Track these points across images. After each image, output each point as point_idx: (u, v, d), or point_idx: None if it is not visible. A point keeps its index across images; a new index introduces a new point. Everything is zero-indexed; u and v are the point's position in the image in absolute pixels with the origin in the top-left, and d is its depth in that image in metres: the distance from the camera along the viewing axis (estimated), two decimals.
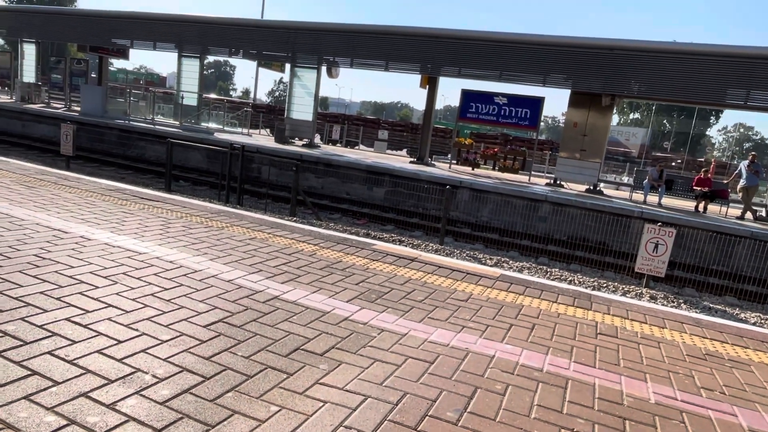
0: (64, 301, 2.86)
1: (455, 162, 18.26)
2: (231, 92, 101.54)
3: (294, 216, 10.12)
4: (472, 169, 17.63)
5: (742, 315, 7.56)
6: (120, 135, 18.28)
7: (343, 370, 2.51)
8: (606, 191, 16.21)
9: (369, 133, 29.15)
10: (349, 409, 2.18)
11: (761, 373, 3.15)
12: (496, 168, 18.05)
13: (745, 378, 3.04)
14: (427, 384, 2.48)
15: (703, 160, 33.77)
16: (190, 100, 21.59)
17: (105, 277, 3.31)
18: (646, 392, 2.68)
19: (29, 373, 2.13)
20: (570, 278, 8.34)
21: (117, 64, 50.90)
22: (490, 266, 7.87)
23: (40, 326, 2.53)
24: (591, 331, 3.50)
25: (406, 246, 8.52)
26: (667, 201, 14.74)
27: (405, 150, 28.22)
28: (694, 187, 13.80)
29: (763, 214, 13.78)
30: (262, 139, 21.24)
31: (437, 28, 13.14)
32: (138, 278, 3.38)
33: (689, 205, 14.34)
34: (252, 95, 51.62)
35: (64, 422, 1.85)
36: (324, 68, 18.84)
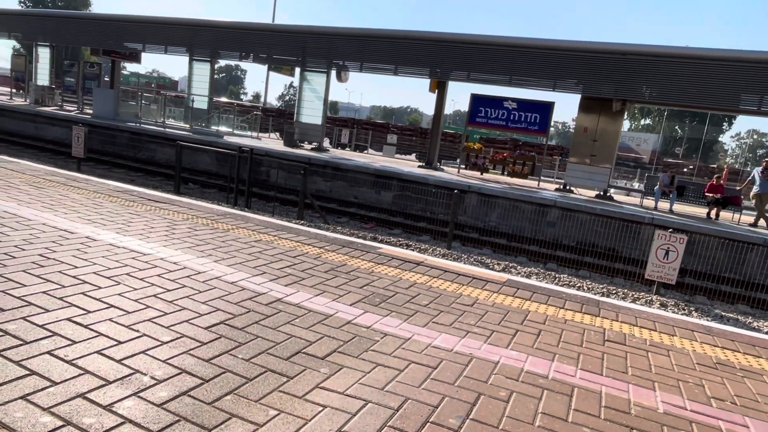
0: (67, 301, 2.85)
1: (464, 167, 18.19)
2: (242, 96, 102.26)
3: (301, 219, 10.12)
4: (481, 174, 17.55)
5: (755, 324, 7.42)
6: (131, 137, 18.43)
7: (344, 374, 2.47)
8: (616, 197, 16.06)
9: (378, 137, 29.17)
10: (348, 414, 2.14)
11: None
12: (505, 173, 17.97)
13: (757, 388, 2.96)
14: (429, 389, 2.43)
15: (715, 166, 33.42)
16: (201, 103, 21.75)
17: (108, 278, 3.30)
18: (655, 401, 2.62)
19: (27, 372, 2.11)
20: (579, 284, 8.24)
21: (129, 67, 51.41)
22: (498, 271, 7.80)
23: (41, 326, 2.52)
24: (598, 338, 3.43)
25: (412, 250, 8.47)
26: (679, 207, 14.57)
27: (414, 154, 28.20)
28: (706, 194, 13.63)
29: None
30: (272, 142, 21.32)
31: (447, 32, 13.10)
32: (141, 279, 3.37)
33: (701, 211, 14.16)
34: (262, 99, 51.95)
35: (60, 423, 1.83)
36: (334, 72, 18.90)
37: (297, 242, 5.02)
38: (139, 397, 2.06)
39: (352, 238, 5.65)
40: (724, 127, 54.91)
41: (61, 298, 2.88)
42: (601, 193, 15.17)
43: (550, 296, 4.29)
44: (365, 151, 27.11)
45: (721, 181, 14.18)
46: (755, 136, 67.83)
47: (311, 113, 19.27)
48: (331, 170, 14.94)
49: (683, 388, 2.83)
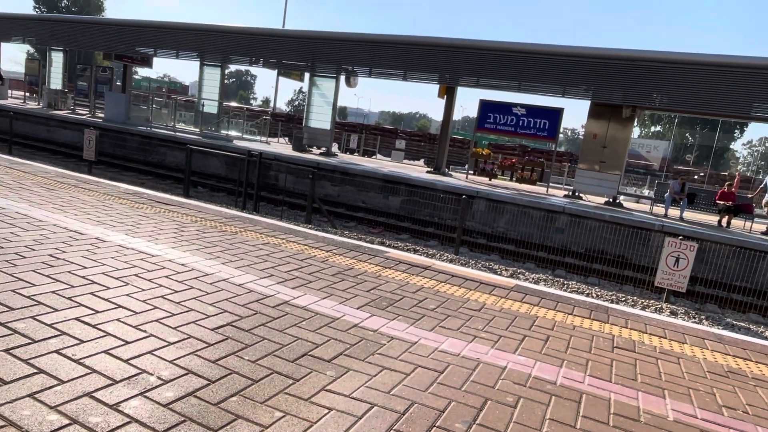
0: (75, 301, 2.87)
1: (472, 172, 18.16)
2: (251, 101, 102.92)
3: (309, 223, 10.13)
4: (490, 180, 17.51)
5: (767, 333, 7.31)
6: (141, 141, 18.60)
7: (350, 377, 2.46)
8: (626, 204, 15.95)
9: (386, 142, 29.22)
10: (354, 417, 2.13)
11: None
12: (514, 179, 17.91)
13: None
14: (435, 394, 2.41)
15: (726, 174, 33.08)
16: (211, 108, 21.90)
17: (117, 278, 3.32)
18: (665, 409, 2.58)
19: (35, 371, 2.12)
20: (587, 291, 8.18)
21: (141, 72, 52.05)
22: (506, 277, 7.76)
23: (50, 325, 2.54)
24: (607, 345, 3.40)
25: (420, 255, 8.45)
26: (689, 215, 14.43)
27: (422, 160, 28.20)
28: (718, 201, 13.49)
29: None
30: (280, 147, 21.42)
31: (456, 38, 13.11)
32: (149, 280, 3.39)
33: (712, 219, 14.02)
34: (272, 104, 52.25)
35: (66, 421, 1.83)
36: (343, 77, 18.97)
37: (305, 245, 5.02)
38: (145, 396, 2.06)
39: (360, 242, 5.65)
40: (735, 135, 54.38)
41: (69, 298, 2.90)
42: (611, 200, 15.07)
43: (558, 302, 4.26)
44: (373, 157, 27.15)
45: (733, 189, 14.03)
46: (767, 144, 67.10)
47: (320, 118, 19.34)
48: (339, 175, 14.97)
49: (694, 396, 2.78)
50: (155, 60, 24.93)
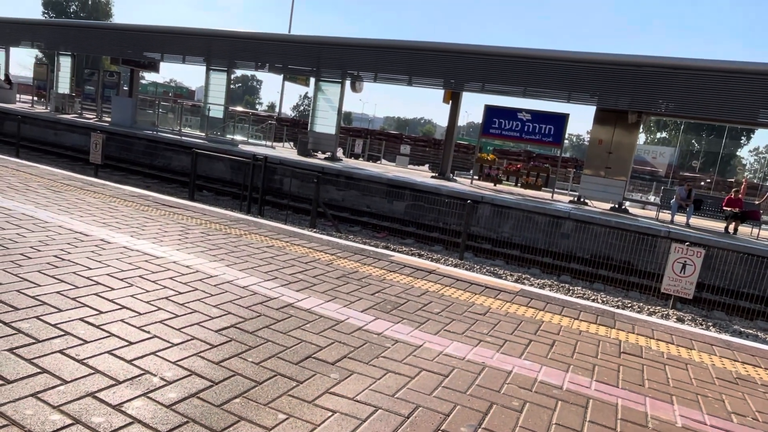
0: (79, 302, 2.87)
1: (477, 177, 18.13)
2: (257, 106, 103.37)
3: (314, 227, 10.13)
4: (494, 185, 17.48)
5: None
6: (147, 145, 18.68)
7: (354, 380, 2.44)
8: (631, 210, 15.87)
9: (391, 147, 29.25)
10: (358, 420, 2.10)
11: None
12: (519, 184, 17.87)
13: None
14: (440, 397, 2.39)
15: (733, 180, 32.89)
16: (217, 112, 22.01)
17: (121, 280, 3.32)
18: (673, 415, 2.55)
19: (39, 370, 2.12)
20: (593, 297, 8.13)
21: (148, 77, 52.33)
22: (511, 282, 7.72)
23: (54, 325, 2.53)
24: (614, 350, 3.36)
25: (425, 259, 8.43)
26: (696, 221, 14.35)
27: (427, 165, 28.20)
28: (725, 208, 13.40)
29: None
30: (285, 151, 21.47)
31: (462, 43, 13.12)
32: (154, 281, 3.38)
33: (719, 225, 13.92)
34: (277, 109, 52.45)
35: (69, 421, 1.82)
36: (348, 82, 19.02)
37: (309, 249, 5.01)
38: (148, 397, 2.05)
39: (364, 246, 5.63)
40: (742, 141, 54.16)
41: (74, 299, 2.90)
42: (616, 205, 15.00)
43: (564, 307, 4.22)
44: (378, 162, 27.17)
45: (740, 195, 13.94)
46: None
47: (325, 123, 19.38)
48: (344, 179, 14.98)
49: (702, 402, 2.75)
50: (162, 65, 25.07)
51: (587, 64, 11.99)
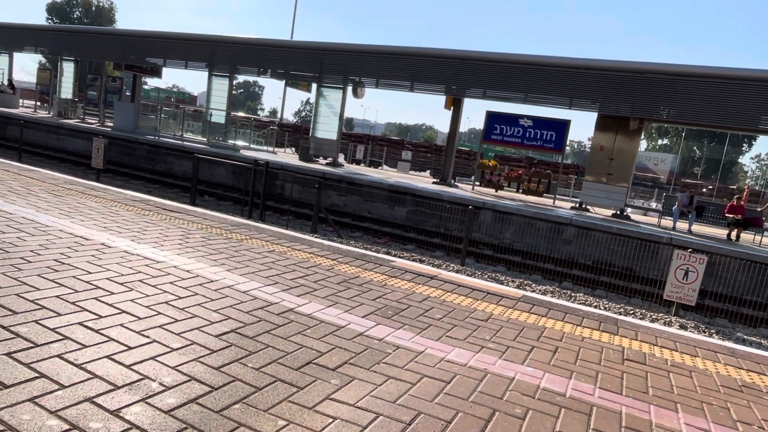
0: (79, 306, 2.85)
1: (478, 184, 18.13)
2: (259, 111, 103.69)
3: (315, 233, 10.11)
4: (496, 191, 17.46)
5: None
6: (149, 150, 18.71)
7: (355, 386, 2.41)
8: (633, 216, 15.84)
9: (393, 153, 29.26)
10: (359, 426, 2.08)
11: None
12: (520, 190, 17.85)
13: None
14: (442, 404, 2.36)
15: (735, 187, 32.84)
16: (219, 117, 22.05)
17: (121, 284, 3.30)
18: (678, 423, 2.51)
19: (37, 375, 2.09)
20: (595, 303, 8.09)
21: (150, 82, 52.54)
22: (512, 288, 7.69)
23: (53, 329, 2.51)
24: (617, 357, 3.33)
25: (426, 265, 8.41)
26: (698, 228, 14.30)
27: (428, 171, 28.20)
28: (727, 215, 13.37)
29: None
30: (287, 157, 21.49)
31: (463, 50, 13.15)
32: (154, 286, 3.36)
33: (721, 232, 13.88)
34: (279, 115, 52.59)
35: (66, 427, 1.80)
36: (350, 88, 19.06)
37: (310, 254, 4.99)
38: (147, 403, 2.02)
39: (366, 251, 5.61)
40: (743, 148, 54.15)
41: (73, 303, 2.88)
42: (618, 212, 14.97)
43: (566, 313, 4.19)
44: (380, 167, 27.18)
45: (742, 202, 13.90)
46: None
47: (327, 128, 19.41)
48: (345, 185, 14.98)
49: (707, 410, 2.71)
50: (164, 70, 25.17)
51: (589, 70, 12.00)
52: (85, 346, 2.40)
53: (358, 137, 32.76)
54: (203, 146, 19.04)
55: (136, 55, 22.28)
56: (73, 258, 3.68)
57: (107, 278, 3.37)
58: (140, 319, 2.81)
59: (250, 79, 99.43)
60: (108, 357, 2.33)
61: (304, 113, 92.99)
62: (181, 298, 3.23)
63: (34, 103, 29.70)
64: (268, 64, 19.35)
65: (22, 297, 2.84)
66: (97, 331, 2.57)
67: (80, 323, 2.63)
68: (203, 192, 14.36)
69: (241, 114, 45.17)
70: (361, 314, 3.43)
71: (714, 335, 7.21)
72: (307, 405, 2.18)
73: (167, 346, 2.53)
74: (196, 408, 2.04)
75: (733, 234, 13.03)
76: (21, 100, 30.35)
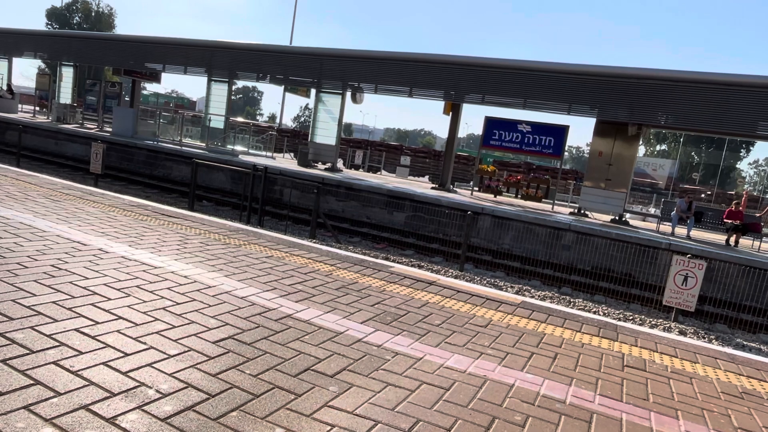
0: (76, 312, 2.83)
1: (477, 189, 18.12)
2: (258, 117, 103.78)
3: (314, 238, 10.09)
4: (495, 197, 17.46)
5: None
6: (148, 155, 18.70)
7: (353, 393, 2.39)
8: (632, 222, 15.84)
9: (391, 159, 29.27)
10: None
11: None
12: (519, 196, 17.84)
13: None
14: (441, 411, 2.34)
15: (733, 193, 32.89)
16: (217, 123, 22.06)
17: (118, 290, 3.28)
18: (678, 430, 2.50)
19: (32, 382, 2.07)
20: (594, 309, 8.07)
21: (149, 87, 52.53)
22: (511, 293, 7.67)
23: (49, 335, 2.49)
24: (617, 363, 3.31)
25: (424, 270, 8.39)
26: (697, 233, 14.30)
27: (427, 176, 28.20)
28: (725, 220, 13.38)
29: None
30: (286, 162, 21.49)
31: (462, 55, 13.18)
32: (151, 292, 3.34)
33: (719, 238, 13.88)
34: (278, 120, 52.66)
35: None
36: (348, 94, 19.09)
37: (308, 259, 4.98)
38: (143, 410, 2.00)
39: (364, 257, 5.60)
40: (741, 154, 54.27)
41: (70, 309, 2.86)
42: (617, 217, 14.98)
43: (566, 319, 4.18)
44: (378, 173, 27.18)
45: (740, 208, 13.91)
46: None
47: (325, 134, 19.42)
48: (344, 190, 14.97)
49: (708, 417, 2.70)
50: (163, 75, 25.20)
51: (587, 76, 12.03)
52: (82, 353, 2.38)
53: (356, 142, 32.77)
54: (202, 151, 19.04)
55: (135, 61, 22.31)
56: (70, 263, 3.66)
57: (104, 284, 3.35)
58: (137, 325, 2.79)
59: (249, 84, 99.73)
60: (104, 364, 2.31)
61: (303, 118, 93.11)
62: (178, 304, 3.21)
63: (33, 108, 29.70)
64: (267, 69, 19.37)
65: (18, 303, 2.82)
66: (93, 338, 2.55)
67: (76, 329, 2.61)
68: (202, 197, 14.34)
69: (240, 119, 45.22)
70: (359, 320, 3.41)
71: (714, 341, 7.19)
72: (306, 412, 2.17)
73: (164, 353, 2.51)
74: (193, 415, 2.02)
75: (732, 239, 13.03)
76: (20, 105, 30.34)
